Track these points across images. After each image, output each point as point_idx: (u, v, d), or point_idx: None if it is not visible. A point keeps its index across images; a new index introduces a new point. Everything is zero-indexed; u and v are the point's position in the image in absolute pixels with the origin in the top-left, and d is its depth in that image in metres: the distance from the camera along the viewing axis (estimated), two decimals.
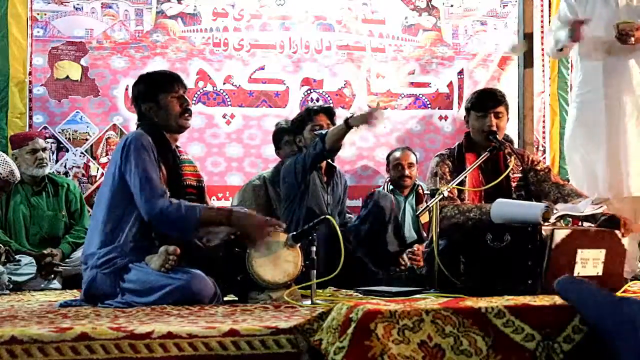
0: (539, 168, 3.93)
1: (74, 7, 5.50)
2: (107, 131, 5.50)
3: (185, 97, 3.46)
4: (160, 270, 3.12)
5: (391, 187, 5.27)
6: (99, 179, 5.40)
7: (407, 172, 5.21)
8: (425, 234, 5.14)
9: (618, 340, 2.15)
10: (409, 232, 5.21)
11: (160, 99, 3.40)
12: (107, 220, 3.26)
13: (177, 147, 3.54)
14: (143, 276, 3.15)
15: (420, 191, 5.25)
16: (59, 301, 3.36)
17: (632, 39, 4.19)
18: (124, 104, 5.52)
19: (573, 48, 4.47)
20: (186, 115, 3.44)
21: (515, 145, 4.76)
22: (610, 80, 4.34)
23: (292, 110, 5.65)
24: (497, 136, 3.86)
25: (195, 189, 3.49)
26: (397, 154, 5.29)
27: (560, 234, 3.10)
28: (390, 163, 5.31)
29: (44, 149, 4.83)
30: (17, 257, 4.51)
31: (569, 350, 2.19)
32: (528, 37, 4.94)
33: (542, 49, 5.92)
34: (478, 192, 3.82)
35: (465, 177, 3.78)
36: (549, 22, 5.83)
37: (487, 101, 3.91)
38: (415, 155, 5.35)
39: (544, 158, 5.88)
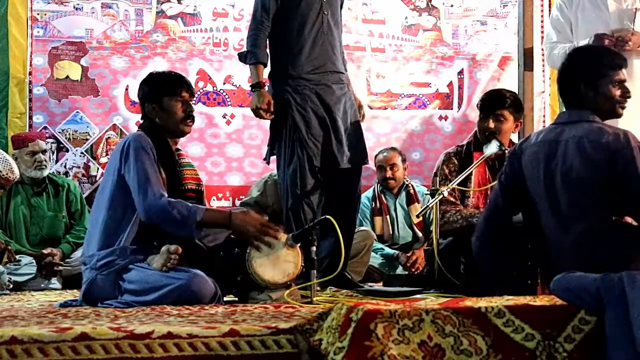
0: None
1: (74, 7, 5.50)
2: (107, 131, 5.50)
3: (190, 102, 3.45)
4: (162, 270, 3.12)
5: (380, 187, 5.30)
6: (99, 179, 5.41)
7: (388, 174, 5.24)
8: (420, 234, 5.17)
9: (612, 308, 2.19)
10: (404, 232, 5.24)
11: (164, 102, 3.39)
12: (107, 222, 3.25)
13: (177, 149, 3.54)
14: (144, 276, 3.14)
15: (411, 191, 5.27)
16: (59, 301, 3.36)
17: (629, 44, 4.22)
18: (124, 104, 5.53)
19: None
20: (188, 121, 3.44)
21: None
22: None
23: None
24: (497, 137, 3.87)
25: (195, 193, 3.49)
26: (380, 156, 5.32)
27: None
28: (375, 164, 5.34)
29: (43, 151, 4.82)
30: (17, 257, 4.51)
31: (571, 350, 2.20)
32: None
33: (542, 49, 5.92)
34: (483, 191, 3.83)
35: (472, 175, 3.79)
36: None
37: (489, 104, 3.93)
38: (402, 155, 5.35)
39: None
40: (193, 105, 3.48)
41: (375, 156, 5.34)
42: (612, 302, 2.21)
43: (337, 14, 4.07)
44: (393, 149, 5.40)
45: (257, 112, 3.90)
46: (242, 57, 3.98)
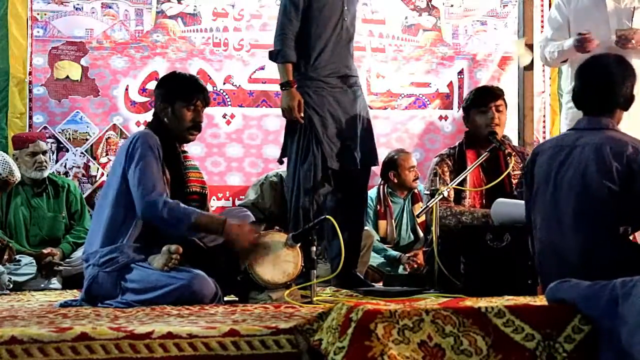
0: None
1: (74, 7, 5.50)
2: (107, 131, 5.50)
3: (201, 113, 3.44)
4: (163, 270, 3.12)
5: (389, 189, 5.28)
6: (99, 179, 5.41)
7: (414, 175, 5.23)
8: (422, 234, 5.16)
9: (605, 320, 2.19)
10: (406, 233, 5.23)
11: (176, 106, 3.39)
12: (111, 219, 3.25)
13: (184, 151, 3.54)
14: (145, 276, 3.15)
15: (415, 191, 5.26)
16: (59, 301, 3.35)
17: (632, 42, 4.23)
18: (124, 104, 5.52)
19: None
20: (194, 130, 3.43)
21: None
22: None
23: None
24: (497, 135, 3.89)
25: (199, 195, 3.49)
26: (406, 156, 5.26)
27: None
28: (399, 167, 5.24)
29: (44, 152, 4.81)
30: (17, 257, 4.51)
31: (571, 350, 2.20)
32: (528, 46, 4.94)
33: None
34: (479, 191, 3.84)
35: (467, 176, 3.80)
36: None
37: (486, 96, 3.99)
38: None
39: None
40: (202, 117, 3.46)
41: (394, 159, 5.29)
42: (604, 315, 2.20)
43: (354, 22, 4.16)
44: (404, 150, 5.41)
45: (289, 111, 3.91)
46: (273, 56, 4.02)
